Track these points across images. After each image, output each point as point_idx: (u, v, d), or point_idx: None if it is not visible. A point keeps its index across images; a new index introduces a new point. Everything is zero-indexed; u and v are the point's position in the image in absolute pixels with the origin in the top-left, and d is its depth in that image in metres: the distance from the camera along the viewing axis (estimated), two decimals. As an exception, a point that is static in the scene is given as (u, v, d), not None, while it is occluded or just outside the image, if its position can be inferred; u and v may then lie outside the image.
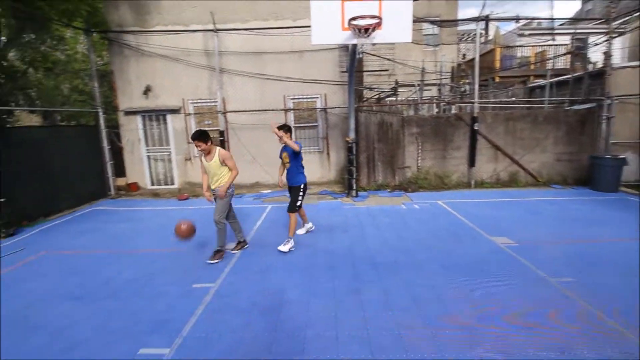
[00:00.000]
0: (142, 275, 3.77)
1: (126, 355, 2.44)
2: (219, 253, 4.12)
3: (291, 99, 8.19)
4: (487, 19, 7.88)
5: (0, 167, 5.37)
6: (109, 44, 8.02)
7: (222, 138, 7.95)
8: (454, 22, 11.76)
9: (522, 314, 2.77)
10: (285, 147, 4.33)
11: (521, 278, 3.40)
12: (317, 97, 8.16)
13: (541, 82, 10.50)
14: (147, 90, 8.04)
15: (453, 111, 11.05)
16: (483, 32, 14.80)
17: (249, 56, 7.96)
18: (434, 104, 12.04)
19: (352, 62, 6.16)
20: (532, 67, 13.17)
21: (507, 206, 6.13)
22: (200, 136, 3.91)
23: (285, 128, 4.23)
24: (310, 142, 8.35)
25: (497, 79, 13.31)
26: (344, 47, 7.69)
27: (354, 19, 5.07)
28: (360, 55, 7.46)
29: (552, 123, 7.69)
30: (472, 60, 14.22)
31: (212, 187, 4.10)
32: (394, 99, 10.55)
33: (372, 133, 7.62)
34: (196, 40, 7.89)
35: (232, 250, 4.35)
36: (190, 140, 8.21)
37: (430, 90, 13.04)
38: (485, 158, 7.78)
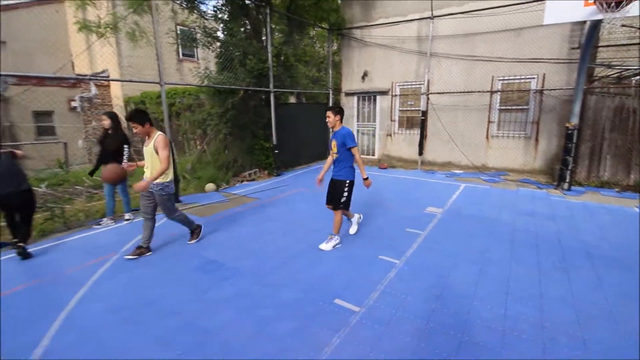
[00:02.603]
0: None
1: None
2: (195, 230, 4.13)
3: (500, 79, 7.92)
4: None
5: (276, 130, 8.08)
6: (340, 38, 10.00)
7: (423, 118, 8.69)
8: None
9: None
10: (335, 135, 3.81)
11: None
12: (533, 78, 7.53)
13: None
14: (364, 75, 9.63)
15: None
16: None
17: (459, 39, 8.15)
18: None
19: (589, 40, 5.49)
20: None
21: None
22: (135, 116, 3.39)
23: (335, 110, 3.76)
24: (516, 127, 7.90)
25: None
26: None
27: (605, -8, 4.56)
28: (605, 29, 6.37)
29: None
30: None
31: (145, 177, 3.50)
32: (645, 77, 8.24)
33: (603, 120, 6.51)
34: (411, 28, 8.73)
35: (131, 255, 3.68)
36: (393, 119, 9.46)
37: None
38: None
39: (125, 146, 4.71)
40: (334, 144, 3.82)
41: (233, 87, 7.07)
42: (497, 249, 3.86)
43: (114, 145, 4.68)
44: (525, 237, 4.20)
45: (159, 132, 3.55)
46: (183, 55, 14.75)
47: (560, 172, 6.49)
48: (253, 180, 7.96)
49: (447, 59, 8.38)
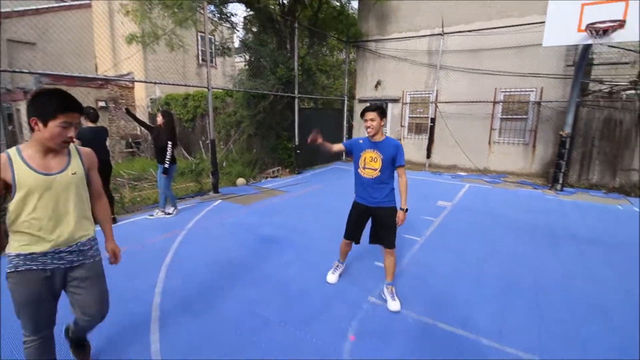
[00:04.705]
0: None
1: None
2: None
3: (502, 91, 8.78)
4: None
5: (298, 132, 8.89)
6: (357, 50, 10.88)
7: (431, 124, 9.54)
8: None
9: None
10: (379, 146, 2.75)
11: None
12: (532, 91, 8.40)
13: None
14: (377, 84, 10.50)
15: None
16: None
17: (466, 53, 9.04)
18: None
19: (582, 60, 6.35)
20: None
21: None
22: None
23: (380, 111, 2.72)
24: (516, 134, 8.76)
25: None
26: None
27: (591, 24, 5.42)
28: (593, 54, 7.25)
29: None
30: None
31: None
32: (633, 92, 9.13)
33: (593, 129, 7.37)
34: (422, 42, 9.61)
35: None
36: (403, 125, 10.28)
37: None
38: None
39: (169, 143, 4.87)
40: (373, 156, 2.75)
41: (265, 92, 7.91)
42: (501, 233, 4.67)
43: (163, 142, 4.95)
44: (523, 226, 5.00)
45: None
46: (202, 60, 15.62)
47: (554, 175, 7.33)
48: (276, 177, 8.75)
49: (454, 71, 9.25)
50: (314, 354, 2.27)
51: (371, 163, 2.78)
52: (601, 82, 9.59)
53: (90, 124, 4.54)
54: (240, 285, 3.18)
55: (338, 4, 10.60)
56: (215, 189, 6.85)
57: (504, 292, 3.11)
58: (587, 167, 7.47)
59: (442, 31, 8.99)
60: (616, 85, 9.51)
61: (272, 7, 7.58)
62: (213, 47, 14.23)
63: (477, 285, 3.23)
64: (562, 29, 5.99)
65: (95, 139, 4.41)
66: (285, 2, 8.54)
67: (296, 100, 8.60)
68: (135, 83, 13.67)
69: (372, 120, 2.70)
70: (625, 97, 9.49)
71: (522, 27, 7.99)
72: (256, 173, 8.71)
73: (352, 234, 3.03)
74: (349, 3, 10.74)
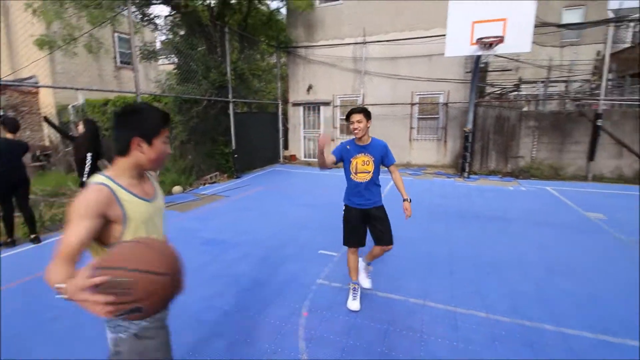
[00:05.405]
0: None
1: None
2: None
3: (418, 94, 9.98)
4: (619, 20, 8.00)
5: (235, 136, 8.93)
6: (287, 55, 11.26)
7: (360, 125, 10.36)
8: (581, 25, 11.33)
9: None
10: (368, 148, 2.76)
11: (592, 236, 4.64)
12: (441, 93, 9.72)
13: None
14: (309, 88, 11.02)
15: (574, 107, 10.92)
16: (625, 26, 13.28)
17: (386, 61, 10.05)
18: (565, 99, 11.93)
19: (476, 67, 7.62)
20: None
21: (618, 196, 6.73)
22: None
23: (365, 112, 2.72)
24: (430, 131, 10.03)
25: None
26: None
27: (480, 39, 6.60)
28: (483, 63, 8.71)
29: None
30: (624, 51, 13.12)
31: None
32: (516, 93, 11.16)
33: (488, 125, 8.85)
34: (347, 49, 10.39)
35: None
36: (335, 126, 10.95)
37: (555, 86, 12.80)
38: (607, 154, 8.10)
39: (89, 154, 4.59)
40: (365, 159, 2.75)
41: (198, 97, 7.81)
42: (423, 217, 5.44)
43: (83, 153, 4.66)
44: (439, 210, 5.90)
45: None
46: (121, 62, 14.47)
47: (462, 165, 8.62)
48: (214, 182, 8.66)
49: (377, 77, 10.21)
50: (273, 331, 2.55)
51: (364, 167, 2.75)
52: (492, 85, 11.50)
53: (9, 135, 4.09)
54: (190, 286, 3.28)
55: (265, 8, 10.85)
56: (150, 198, 6.57)
57: (426, 263, 3.75)
58: (486, 157, 8.94)
59: (364, 40, 9.87)
60: (504, 88, 11.51)
61: (201, 11, 7.52)
62: (138, 50, 13.32)
63: (406, 259, 3.83)
64: (459, 42, 7.14)
65: (13, 153, 4.01)
66: (213, 6, 8.51)
67: (231, 105, 8.63)
68: (41, 88, 12.12)
69: (358, 122, 2.66)
70: (512, 98, 11.51)
71: (429, 39, 9.21)
72: (193, 180, 8.51)
73: (357, 240, 2.92)
74: (278, 11, 11.06)
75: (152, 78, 15.23)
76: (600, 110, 7.96)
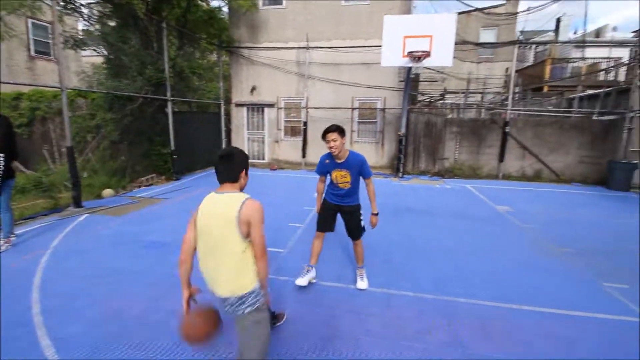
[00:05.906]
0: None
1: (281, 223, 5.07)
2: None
3: (358, 100, 10.59)
4: (521, 43, 9.49)
5: (175, 138, 8.57)
6: (230, 55, 11.10)
7: (304, 127, 10.65)
8: (493, 45, 13.16)
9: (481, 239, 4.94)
10: (347, 164, 3.03)
11: (500, 225, 5.49)
12: (379, 100, 10.46)
13: (579, 94, 11.67)
14: (253, 89, 10.99)
15: (488, 115, 12.61)
16: (531, 48, 15.69)
17: (329, 66, 10.49)
18: (481, 108, 13.63)
19: (408, 77, 8.40)
20: (583, 78, 14.02)
21: (522, 192, 7.96)
22: None
23: (340, 130, 2.94)
24: (369, 135, 10.71)
25: (547, 89, 14.39)
26: (403, 62, 9.88)
27: (410, 52, 7.31)
28: (414, 74, 9.61)
29: (578, 130, 9.17)
30: (527, 68, 15.35)
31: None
32: (442, 102, 12.45)
33: (419, 130, 9.77)
34: (291, 53, 10.62)
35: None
36: (279, 128, 11.04)
37: (474, 96, 14.58)
38: (514, 156, 9.51)
39: (1, 155, 4.00)
40: (342, 174, 3.05)
41: (132, 94, 7.35)
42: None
43: None
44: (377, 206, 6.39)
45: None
46: (36, 52, 12.85)
47: (397, 165, 9.40)
48: (151, 185, 8.21)
49: (320, 81, 10.60)
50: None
51: (343, 179, 3.07)
52: (423, 94, 12.66)
53: None
54: (133, 290, 3.20)
55: (205, 5, 10.57)
56: (77, 203, 6.05)
57: (366, 253, 4.11)
58: (417, 158, 9.86)
59: (308, 45, 10.19)
60: (432, 97, 12.74)
61: (135, 4, 7.09)
62: (58, 39, 11.96)
63: (348, 251, 4.16)
64: (393, 54, 7.82)
65: None
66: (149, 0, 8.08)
67: (169, 104, 8.26)
68: None
69: (334, 140, 2.88)
70: (439, 106, 12.79)
71: (367, 49, 9.86)
72: (126, 182, 7.97)
73: (325, 225, 3.28)
74: (220, 9, 10.84)
75: (74, 71, 13.81)
76: (508, 119, 9.31)
